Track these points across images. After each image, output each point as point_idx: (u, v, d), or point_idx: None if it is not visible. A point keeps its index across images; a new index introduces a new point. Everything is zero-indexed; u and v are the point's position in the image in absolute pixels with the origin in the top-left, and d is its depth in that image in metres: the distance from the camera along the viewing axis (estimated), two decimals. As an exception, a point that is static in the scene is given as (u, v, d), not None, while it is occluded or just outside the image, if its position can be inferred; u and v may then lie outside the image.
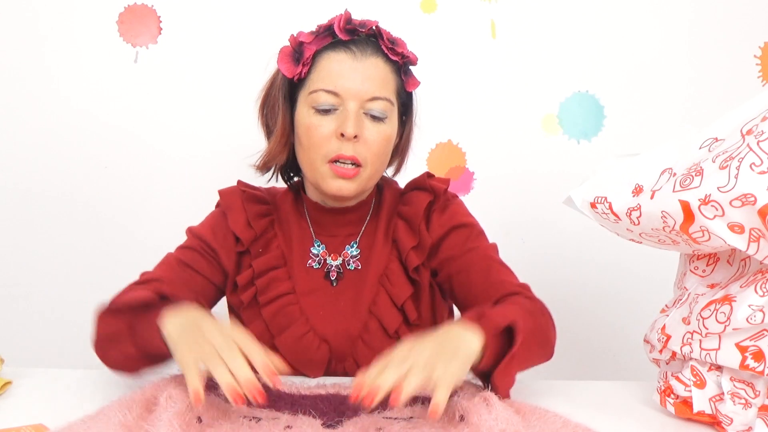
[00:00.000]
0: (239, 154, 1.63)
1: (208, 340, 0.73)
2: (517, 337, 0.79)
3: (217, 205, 1.08)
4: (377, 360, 0.73)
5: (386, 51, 0.95)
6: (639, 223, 0.80)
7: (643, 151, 0.86)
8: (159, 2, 1.61)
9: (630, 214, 0.80)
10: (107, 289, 1.63)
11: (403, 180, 1.11)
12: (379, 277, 1.01)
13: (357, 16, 1.68)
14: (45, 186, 1.61)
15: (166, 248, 1.63)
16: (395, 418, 0.77)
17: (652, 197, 0.77)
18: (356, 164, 0.95)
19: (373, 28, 0.96)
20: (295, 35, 0.98)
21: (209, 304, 1.05)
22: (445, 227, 1.02)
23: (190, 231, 1.06)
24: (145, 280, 0.99)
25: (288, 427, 0.74)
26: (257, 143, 1.62)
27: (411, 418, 0.78)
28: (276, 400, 0.83)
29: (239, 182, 1.08)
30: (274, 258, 1.01)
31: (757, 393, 0.76)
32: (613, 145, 1.68)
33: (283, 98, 1.00)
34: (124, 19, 1.61)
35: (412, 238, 1.01)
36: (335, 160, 0.94)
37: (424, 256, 1.01)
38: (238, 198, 1.04)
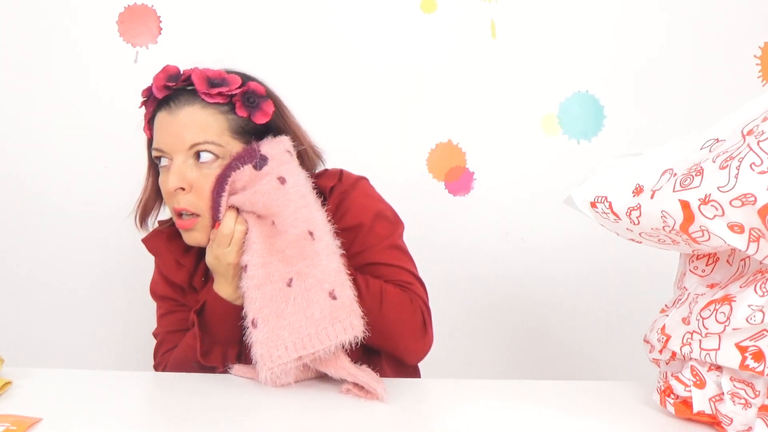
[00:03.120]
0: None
1: None
2: None
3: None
4: None
5: (202, 96, 0.95)
6: (639, 222, 0.80)
7: (644, 151, 0.86)
8: (159, 2, 1.61)
9: (630, 214, 0.80)
10: (107, 289, 1.64)
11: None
12: None
13: (357, 15, 1.69)
14: (45, 186, 1.61)
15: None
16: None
17: (652, 197, 0.77)
18: (193, 214, 0.95)
19: (188, 77, 0.97)
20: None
21: None
22: None
23: (155, 296, 1.09)
24: (164, 365, 1.04)
25: (243, 188, 0.94)
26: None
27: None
28: None
29: (159, 222, 1.09)
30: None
31: (757, 393, 0.76)
32: (613, 145, 1.68)
33: (148, 156, 1.04)
34: (124, 19, 1.61)
35: None
36: (179, 214, 0.96)
37: None
38: (161, 240, 1.05)
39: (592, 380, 1.00)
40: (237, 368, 0.94)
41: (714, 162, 0.72)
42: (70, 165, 1.61)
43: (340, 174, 1.03)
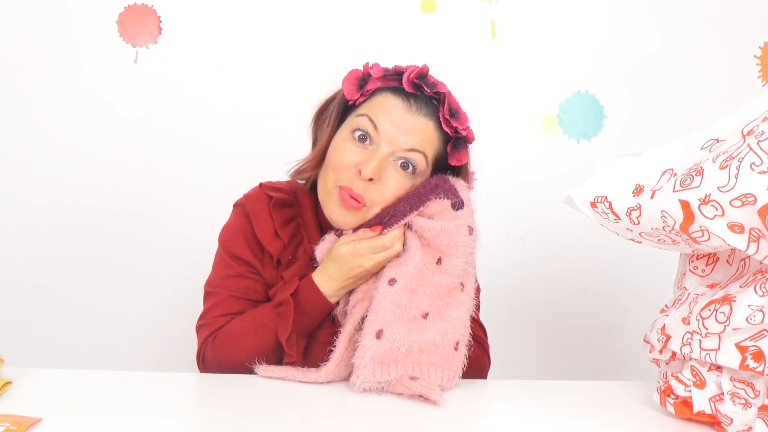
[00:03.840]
0: (238, 154, 1.64)
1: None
2: None
3: (236, 206, 1.05)
4: None
5: (441, 120, 0.97)
6: (639, 222, 0.80)
7: (644, 151, 0.86)
8: (159, 2, 1.61)
9: (630, 214, 0.80)
10: (107, 288, 1.64)
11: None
12: None
13: (357, 15, 1.69)
14: (44, 186, 1.61)
15: (164, 248, 1.64)
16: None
17: (652, 197, 0.77)
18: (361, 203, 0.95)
19: (440, 93, 0.97)
20: (368, 64, 1.00)
21: None
22: None
23: (230, 253, 1.02)
24: (215, 327, 0.99)
25: (430, 217, 0.94)
26: (256, 143, 1.63)
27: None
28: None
29: (263, 186, 1.05)
30: (303, 266, 1.00)
31: (757, 393, 0.76)
32: (613, 145, 1.68)
33: (335, 117, 1.00)
34: (124, 19, 1.61)
35: None
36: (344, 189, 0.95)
37: None
38: (264, 204, 1.01)
39: (593, 380, 1.00)
40: (263, 368, 0.93)
41: (714, 162, 0.72)
42: (70, 164, 1.61)
43: None
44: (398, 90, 0.97)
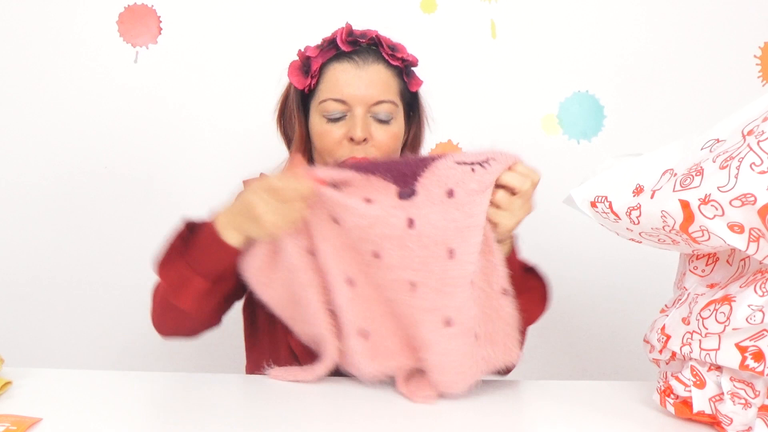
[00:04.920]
0: (238, 154, 1.63)
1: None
2: None
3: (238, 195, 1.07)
4: None
5: (387, 57, 1.02)
6: (639, 222, 0.80)
7: (644, 151, 0.86)
8: (159, 2, 1.61)
9: (630, 214, 0.80)
10: (107, 288, 1.64)
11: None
12: None
13: (357, 15, 1.69)
14: (44, 186, 1.61)
15: (165, 248, 1.63)
16: (469, 164, 0.83)
17: (652, 197, 0.77)
18: None
19: (374, 37, 1.03)
20: (302, 50, 1.05)
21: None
22: None
23: None
24: None
25: (367, 200, 0.82)
26: (256, 143, 1.63)
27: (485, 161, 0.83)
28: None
29: (261, 175, 1.06)
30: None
31: (757, 393, 0.76)
32: (613, 145, 1.68)
33: (297, 109, 1.05)
34: (124, 19, 1.61)
35: None
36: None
37: None
38: None
39: (592, 380, 1.00)
40: (275, 371, 0.93)
41: (714, 162, 0.72)
42: (69, 164, 1.61)
43: None
44: (340, 55, 1.01)
